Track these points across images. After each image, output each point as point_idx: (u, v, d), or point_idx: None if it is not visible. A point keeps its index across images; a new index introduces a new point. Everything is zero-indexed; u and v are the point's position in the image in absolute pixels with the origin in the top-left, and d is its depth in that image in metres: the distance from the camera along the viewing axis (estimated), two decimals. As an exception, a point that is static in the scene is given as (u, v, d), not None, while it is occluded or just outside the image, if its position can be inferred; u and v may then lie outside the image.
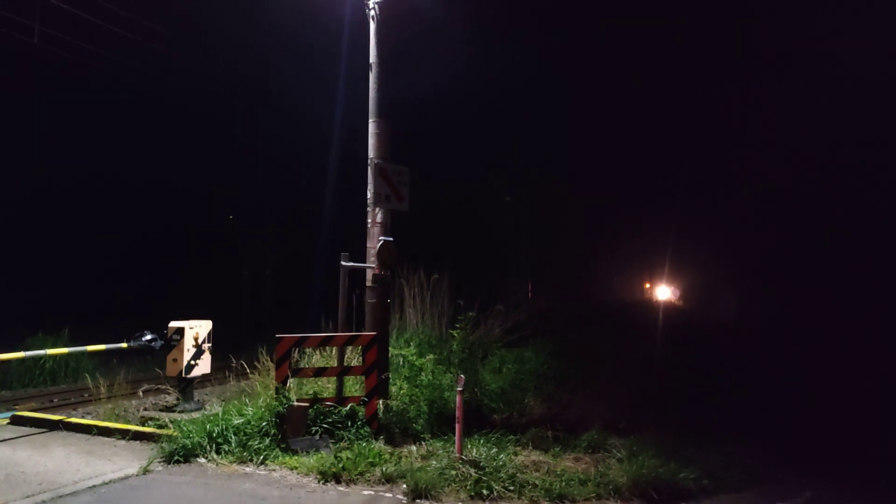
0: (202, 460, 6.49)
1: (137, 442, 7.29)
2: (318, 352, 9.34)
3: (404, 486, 5.75)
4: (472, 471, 5.93)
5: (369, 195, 8.35)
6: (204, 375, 9.27)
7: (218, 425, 6.87)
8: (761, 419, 8.05)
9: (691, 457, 6.39)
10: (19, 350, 10.78)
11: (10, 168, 23.64)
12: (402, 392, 8.22)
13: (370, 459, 6.27)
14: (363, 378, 7.69)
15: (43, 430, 7.87)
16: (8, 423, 8.24)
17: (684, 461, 6.24)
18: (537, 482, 5.81)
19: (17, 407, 10.13)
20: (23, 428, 7.97)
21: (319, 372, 7.86)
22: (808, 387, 9.60)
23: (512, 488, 5.69)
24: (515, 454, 6.65)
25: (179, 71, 19.43)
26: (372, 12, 8.58)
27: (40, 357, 12.14)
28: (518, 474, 5.95)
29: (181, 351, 8.76)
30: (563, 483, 5.80)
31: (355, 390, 8.05)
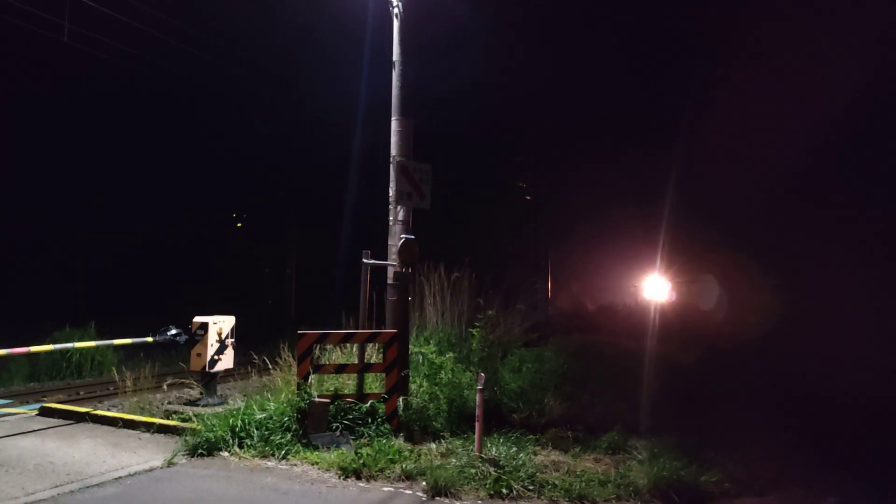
0: (225, 454, 6.59)
1: (162, 435, 7.41)
2: (338, 348, 9.41)
3: (424, 483, 5.78)
4: (492, 469, 5.94)
5: (391, 193, 8.39)
6: (227, 370, 9.39)
7: (240, 420, 6.96)
8: (784, 421, 7.94)
9: (713, 459, 6.33)
10: (47, 343, 11.06)
11: (33, 164, 24.13)
12: (421, 390, 8.25)
13: (390, 456, 6.31)
14: (383, 375, 7.75)
15: (70, 421, 8.04)
16: (37, 415, 8.44)
17: (706, 464, 6.18)
18: (557, 482, 5.80)
19: (45, 399, 10.35)
20: (51, 419, 8.15)
21: (340, 368, 7.92)
22: (832, 388, 9.44)
23: (531, 488, 5.69)
24: (535, 454, 6.64)
25: (204, 70, 19.65)
26: (395, 10, 8.61)
27: (68, 350, 12.38)
28: (537, 474, 5.95)
29: (205, 346, 8.88)
30: (583, 484, 5.78)
31: (375, 387, 8.10)
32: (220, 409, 8.00)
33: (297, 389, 7.21)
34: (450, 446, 6.84)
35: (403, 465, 6.09)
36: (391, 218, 8.45)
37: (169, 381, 9.66)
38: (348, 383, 8.19)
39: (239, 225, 30.93)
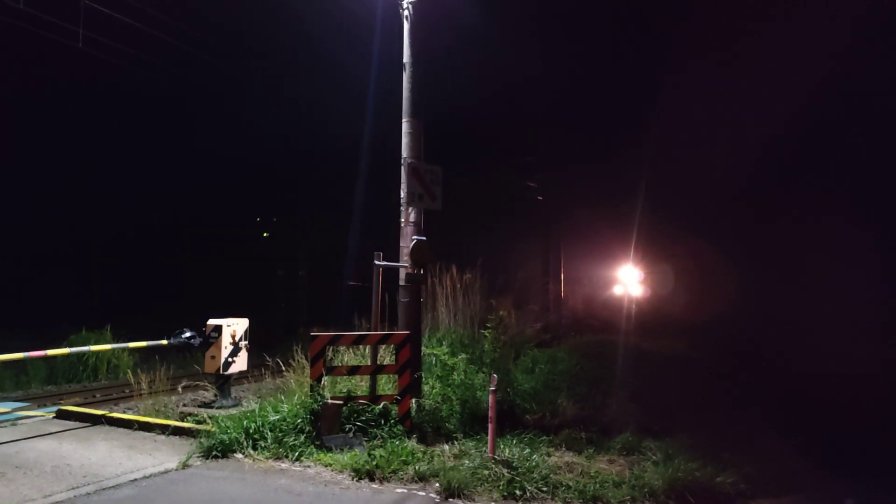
0: (239, 456, 6.62)
1: (177, 437, 7.47)
2: (351, 350, 9.43)
3: (437, 484, 5.77)
4: (505, 471, 5.92)
5: (403, 195, 8.40)
6: (241, 372, 9.45)
7: (254, 422, 7.00)
8: (800, 421, 7.85)
9: (728, 460, 6.27)
10: (64, 346, 11.17)
11: (50, 167, 24.42)
12: (434, 391, 8.25)
13: (403, 458, 6.31)
14: (396, 377, 7.75)
15: (86, 424, 8.12)
16: (54, 417, 8.53)
17: (721, 465, 6.13)
18: (570, 483, 5.78)
19: (62, 401, 10.45)
20: (68, 422, 8.24)
21: (353, 370, 7.94)
22: (848, 386, 9.32)
23: (545, 489, 5.67)
24: (548, 455, 6.62)
25: (213, 74, 19.79)
26: (406, 12, 8.63)
27: (84, 353, 12.49)
28: (551, 475, 5.93)
29: (219, 348, 8.93)
30: (597, 485, 5.75)
31: (388, 389, 8.11)
32: (235, 411, 8.04)
33: (310, 391, 7.24)
34: (463, 447, 6.83)
35: (416, 467, 6.08)
36: (402, 220, 8.46)
37: (183, 384, 9.73)
38: (361, 385, 8.20)
39: (265, 235, 31.14)
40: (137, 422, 7.92)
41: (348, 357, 9.45)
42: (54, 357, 12.08)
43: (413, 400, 7.63)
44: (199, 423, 7.84)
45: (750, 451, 6.56)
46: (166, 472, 6.19)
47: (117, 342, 11.80)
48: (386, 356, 8.95)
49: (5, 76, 22.12)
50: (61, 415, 8.54)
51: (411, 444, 6.86)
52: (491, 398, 6.41)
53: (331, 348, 8.51)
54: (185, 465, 6.35)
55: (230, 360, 9.02)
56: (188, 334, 9.25)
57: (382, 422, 7.28)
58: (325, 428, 6.94)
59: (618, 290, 28.30)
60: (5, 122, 22.27)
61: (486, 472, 5.93)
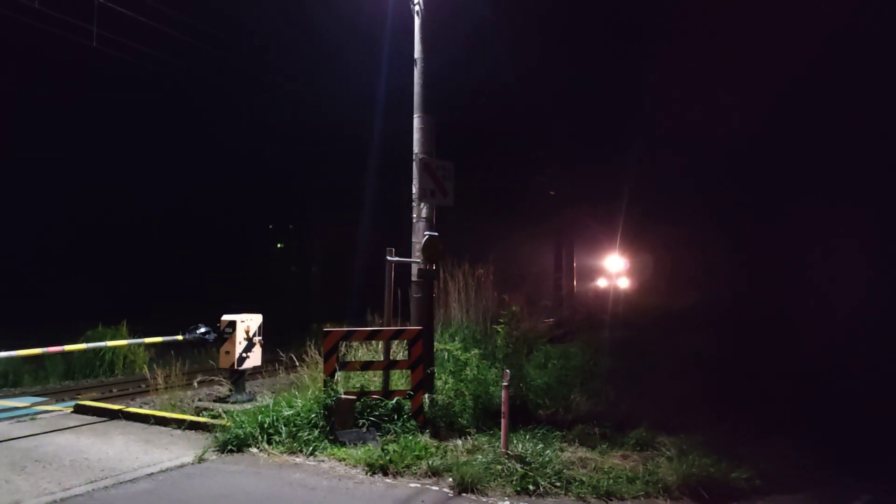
0: (254, 450, 6.68)
1: (192, 431, 7.54)
2: (364, 346, 9.46)
3: (450, 479, 5.78)
4: (518, 466, 5.93)
5: (414, 190, 8.40)
6: (255, 368, 9.50)
7: (269, 416, 7.05)
8: (816, 417, 7.79)
9: (743, 456, 6.23)
10: (81, 342, 11.30)
11: (67, 166, 24.69)
12: (447, 386, 8.26)
13: (416, 452, 6.33)
14: (409, 372, 7.77)
15: (104, 419, 8.22)
16: (71, 412, 8.65)
17: (736, 460, 6.08)
18: (584, 479, 5.77)
19: (79, 396, 10.59)
20: (85, 416, 8.35)
21: (366, 365, 7.97)
22: (866, 381, 9.21)
23: (558, 484, 5.66)
24: (561, 450, 6.61)
25: (226, 71, 19.88)
26: (417, 7, 8.62)
27: (101, 349, 12.64)
28: (564, 470, 5.91)
29: (233, 343, 8.99)
30: (611, 480, 5.74)
31: (401, 384, 8.13)
32: (249, 406, 8.10)
33: (324, 386, 7.28)
34: (476, 443, 6.85)
35: (430, 462, 6.10)
36: (414, 215, 8.47)
37: (199, 379, 9.82)
38: (374, 380, 8.24)
39: (280, 245, 31.38)
40: (154, 416, 8.00)
41: (361, 352, 9.49)
42: (71, 352, 12.22)
43: (426, 395, 7.65)
44: (214, 417, 7.91)
45: (764, 448, 6.50)
46: (182, 465, 6.25)
47: (133, 338, 11.93)
48: (399, 351, 8.98)
49: (20, 75, 22.38)
50: (79, 409, 8.66)
51: (424, 439, 6.88)
52: (504, 393, 6.41)
53: (344, 344, 8.55)
54: (200, 459, 6.41)
55: (244, 355, 9.09)
56: (203, 330, 9.32)
57: (395, 417, 7.31)
58: (338, 423, 6.98)
59: (629, 285, 28.21)
60: (22, 121, 22.54)
61: (500, 466, 5.93)
